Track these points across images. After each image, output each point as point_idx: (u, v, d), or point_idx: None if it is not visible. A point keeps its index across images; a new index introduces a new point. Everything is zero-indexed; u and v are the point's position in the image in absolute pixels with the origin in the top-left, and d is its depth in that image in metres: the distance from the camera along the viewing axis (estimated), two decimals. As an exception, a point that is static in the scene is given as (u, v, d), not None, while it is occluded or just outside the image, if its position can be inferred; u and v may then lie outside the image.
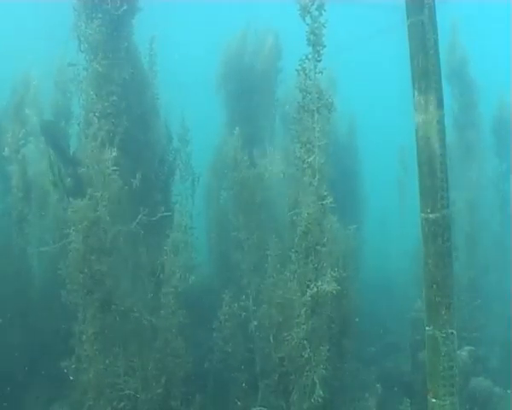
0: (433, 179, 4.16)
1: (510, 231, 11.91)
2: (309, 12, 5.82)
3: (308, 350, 5.87)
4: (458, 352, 4.98)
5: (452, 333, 4.15)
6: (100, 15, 6.60)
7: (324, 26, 5.81)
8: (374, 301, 10.95)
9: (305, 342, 5.89)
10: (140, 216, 6.66)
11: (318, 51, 5.87)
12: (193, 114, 8.75)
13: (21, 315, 8.19)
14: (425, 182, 4.20)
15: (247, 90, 10.91)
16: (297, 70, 5.96)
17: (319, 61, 5.88)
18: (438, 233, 4.16)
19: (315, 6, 5.81)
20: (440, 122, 4.16)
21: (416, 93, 4.20)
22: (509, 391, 8.33)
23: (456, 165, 10.94)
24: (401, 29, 4.52)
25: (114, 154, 6.25)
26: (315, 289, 5.87)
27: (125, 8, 6.82)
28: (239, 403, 7.06)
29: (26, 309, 8.31)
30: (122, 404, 6.16)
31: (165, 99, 8.15)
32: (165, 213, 7.17)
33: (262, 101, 10.87)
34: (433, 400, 4.16)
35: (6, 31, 18.19)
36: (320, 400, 5.77)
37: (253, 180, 7.85)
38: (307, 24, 5.84)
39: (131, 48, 7.30)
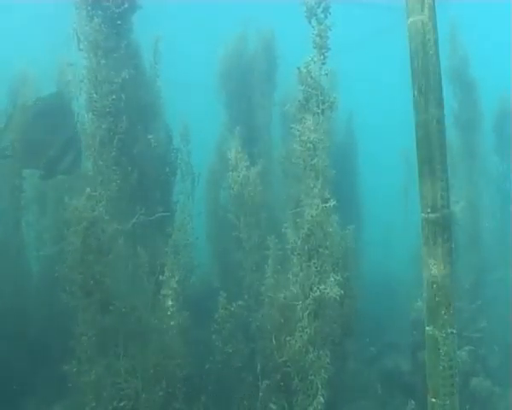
0: (433, 179, 4.14)
1: (511, 230, 11.89)
2: (315, 14, 5.81)
3: (311, 355, 5.83)
4: (458, 352, 4.95)
5: (452, 333, 4.14)
6: (100, 12, 6.59)
7: (330, 29, 5.80)
8: (374, 301, 10.93)
9: (309, 345, 5.85)
10: (137, 215, 6.63)
11: (323, 54, 5.85)
12: (192, 112, 8.73)
13: (20, 316, 8.17)
14: (425, 182, 4.19)
15: (247, 89, 10.89)
16: (298, 68, 5.91)
17: (324, 63, 5.86)
18: (438, 233, 4.14)
19: (320, 8, 5.79)
20: (440, 122, 4.15)
21: (416, 93, 4.18)
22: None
23: (457, 164, 10.92)
24: (401, 29, 4.51)
25: (113, 153, 6.25)
26: (318, 293, 5.82)
27: (126, 5, 6.81)
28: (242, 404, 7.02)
29: (25, 310, 8.30)
30: (122, 403, 6.14)
31: (166, 98, 8.13)
32: (165, 213, 7.15)
33: (261, 99, 10.85)
34: (433, 400, 4.14)
35: (5, 30, 18.20)
36: (320, 406, 5.74)
37: (253, 179, 7.81)
38: (313, 26, 5.82)
39: (132, 46, 7.29)
